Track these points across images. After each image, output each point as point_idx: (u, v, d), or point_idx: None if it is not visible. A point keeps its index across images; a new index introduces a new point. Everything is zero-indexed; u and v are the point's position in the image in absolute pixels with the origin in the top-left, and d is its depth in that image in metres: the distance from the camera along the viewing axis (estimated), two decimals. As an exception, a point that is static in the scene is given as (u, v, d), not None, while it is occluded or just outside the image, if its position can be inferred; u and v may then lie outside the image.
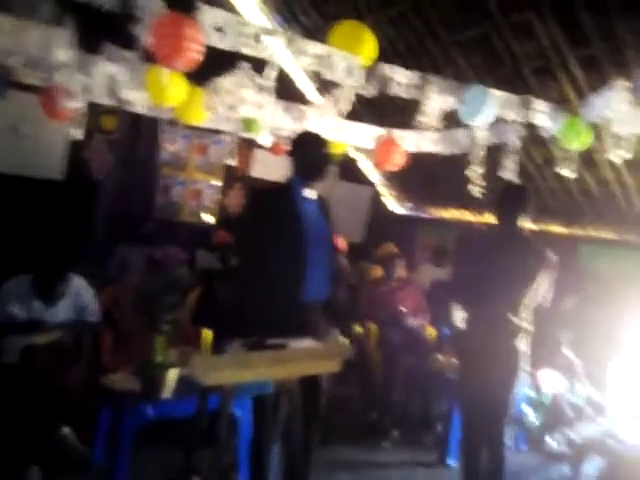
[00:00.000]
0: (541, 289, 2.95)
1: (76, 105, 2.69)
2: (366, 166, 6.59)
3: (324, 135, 2.82)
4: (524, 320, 2.92)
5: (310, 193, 2.64)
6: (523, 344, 2.91)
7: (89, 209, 4.74)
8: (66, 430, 3.11)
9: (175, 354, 2.64)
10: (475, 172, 3.69)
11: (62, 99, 2.59)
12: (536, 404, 4.36)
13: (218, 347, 2.07)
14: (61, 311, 3.08)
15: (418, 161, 4.46)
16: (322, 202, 2.73)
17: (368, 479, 3.45)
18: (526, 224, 3.04)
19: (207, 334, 1.99)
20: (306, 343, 2.24)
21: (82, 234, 4.50)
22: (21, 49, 2.36)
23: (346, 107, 3.09)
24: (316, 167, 2.65)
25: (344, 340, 2.44)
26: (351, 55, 2.77)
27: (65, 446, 3.08)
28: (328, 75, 2.74)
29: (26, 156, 4.34)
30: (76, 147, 4.44)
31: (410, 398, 4.32)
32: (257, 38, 2.39)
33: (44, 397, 2.91)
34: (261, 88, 2.90)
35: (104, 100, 3.25)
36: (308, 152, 2.66)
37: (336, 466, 3.51)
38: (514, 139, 3.80)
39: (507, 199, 3.03)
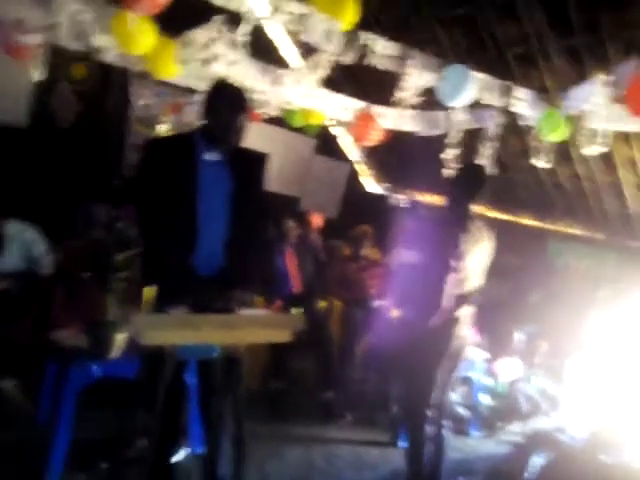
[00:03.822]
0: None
1: (34, 41, 2.53)
2: (345, 143, 6.51)
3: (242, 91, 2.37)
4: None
5: (213, 155, 2.23)
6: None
7: (53, 159, 4.57)
8: (10, 382, 3.03)
9: (120, 312, 2.57)
10: (450, 155, 3.65)
11: (19, 34, 2.43)
12: (492, 392, 4.40)
13: (162, 307, 1.99)
14: (9, 260, 2.98)
15: (396, 141, 4.40)
16: (234, 162, 2.27)
17: (318, 455, 3.43)
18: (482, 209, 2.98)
19: (149, 292, 1.90)
20: (257, 310, 2.19)
21: (43, 184, 4.35)
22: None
23: (323, 73, 2.99)
24: (220, 125, 2.18)
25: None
26: (331, 18, 2.68)
27: (7, 399, 3.01)
28: (305, 37, 2.64)
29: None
30: (41, 94, 4.26)
31: (367, 377, 4.31)
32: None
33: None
34: (234, 44, 2.77)
35: (72, 44, 3.10)
36: (214, 106, 2.20)
37: (287, 440, 3.49)
38: (493, 125, 3.77)
39: (465, 179, 2.90)
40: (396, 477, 3.27)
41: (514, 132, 4.30)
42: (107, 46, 3.11)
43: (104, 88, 4.76)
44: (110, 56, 3.30)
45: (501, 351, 4.45)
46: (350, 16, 2.89)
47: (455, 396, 4.20)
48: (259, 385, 3.89)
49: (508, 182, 5.01)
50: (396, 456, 3.54)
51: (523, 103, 3.37)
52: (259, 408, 3.62)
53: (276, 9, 2.49)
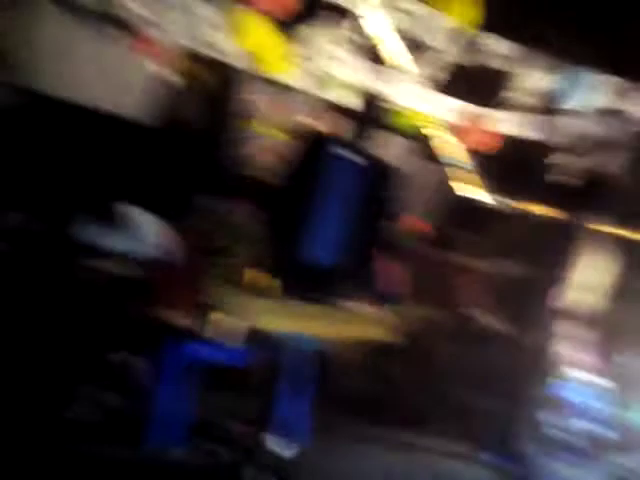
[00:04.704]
0: None
1: (161, 38, 2.65)
2: (444, 146, 6.32)
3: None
4: None
5: (351, 153, 2.43)
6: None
7: (174, 156, 4.80)
8: (124, 356, 3.23)
9: (226, 298, 2.65)
10: (567, 162, 3.44)
11: (148, 31, 2.57)
12: (599, 419, 4.10)
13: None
14: (128, 243, 3.17)
15: (502, 146, 4.20)
16: (377, 170, 2.47)
17: (398, 461, 3.37)
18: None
19: (250, 275, 1.97)
20: (363, 306, 2.18)
21: (160, 177, 4.58)
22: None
23: (440, 75, 2.91)
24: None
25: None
26: (453, 19, 2.61)
27: (122, 371, 3.20)
28: (425, 38, 2.59)
29: (114, 92, 4.39)
30: (167, 92, 4.47)
31: (455, 387, 4.17)
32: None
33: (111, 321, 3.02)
34: (347, 41, 2.76)
35: (193, 44, 3.25)
36: None
37: (368, 442, 3.42)
38: (624, 134, 3.50)
39: (588, 191, 2.76)
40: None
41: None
42: (222, 44, 3.24)
43: (218, 86, 4.93)
44: (225, 53, 3.43)
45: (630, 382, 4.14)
46: (468, 16, 2.81)
47: (551, 418, 3.98)
48: (351, 383, 3.88)
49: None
50: (479, 470, 3.44)
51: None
52: (347, 406, 3.61)
53: (391, 6, 2.45)
